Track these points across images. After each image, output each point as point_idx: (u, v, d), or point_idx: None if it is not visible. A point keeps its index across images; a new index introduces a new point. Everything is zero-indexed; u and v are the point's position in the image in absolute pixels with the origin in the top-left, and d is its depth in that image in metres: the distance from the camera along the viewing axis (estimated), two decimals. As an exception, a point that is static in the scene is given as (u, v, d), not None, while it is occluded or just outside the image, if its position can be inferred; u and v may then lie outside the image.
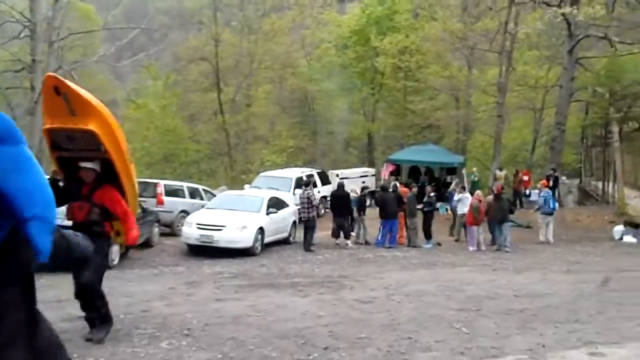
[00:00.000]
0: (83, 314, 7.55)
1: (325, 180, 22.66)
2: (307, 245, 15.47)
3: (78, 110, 5.73)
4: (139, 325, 7.10)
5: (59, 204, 6.08)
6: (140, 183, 18.04)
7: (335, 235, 16.58)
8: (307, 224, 15.76)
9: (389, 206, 16.46)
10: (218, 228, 13.98)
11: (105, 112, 6.01)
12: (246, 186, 21.29)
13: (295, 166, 26.13)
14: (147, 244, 14.67)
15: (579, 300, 8.98)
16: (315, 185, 20.70)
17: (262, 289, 9.79)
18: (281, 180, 20.05)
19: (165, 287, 9.78)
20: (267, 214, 15.22)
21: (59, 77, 5.91)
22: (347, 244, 16.19)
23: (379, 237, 16.60)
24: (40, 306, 8.23)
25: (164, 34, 44.38)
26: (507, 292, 9.57)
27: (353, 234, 16.88)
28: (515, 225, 17.94)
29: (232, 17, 35.31)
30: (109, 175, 6.20)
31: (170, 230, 16.64)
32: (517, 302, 8.78)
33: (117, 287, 9.98)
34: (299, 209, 16.27)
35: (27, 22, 19.31)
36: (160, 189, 17.01)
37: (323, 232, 17.79)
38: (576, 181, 31.48)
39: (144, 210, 14.58)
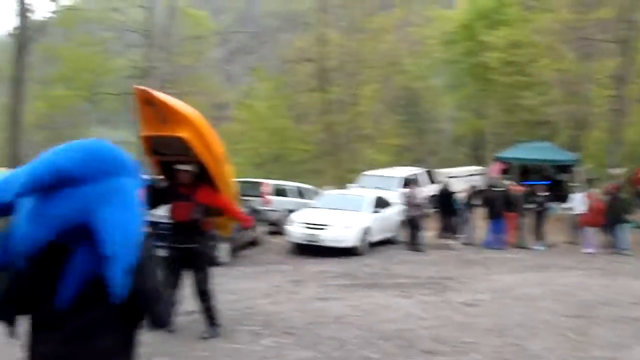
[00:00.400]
0: (192, 309, 7.89)
1: (432, 180, 22.31)
2: (413, 245, 15.32)
3: (168, 118, 6.06)
4: (242, 322, 7.31)
5: (158, 205, 6.51)
6: (247, 183, 18.82)
7: (442, 235, 16.33)
8: (412, 223, 15.60)
9: (496, 206, 15.97)
10: (323, 227, 14.11)
11: (195, 119, 6.27)
12: (352, 185, 21.36)
13: (402, 165, 25.90)
14: (254, 243, 15.09)
15: None
16: (421, 185, 20.43)
17: (366, 289, 9.79)
18: (386, 180, 19.95)
19: (270, 285, 10.01)
20: (372, 213, 15.19)
21: (147, 89, 6.22)
22: (453, 245, 15.87)
23: (487, 238, 16.15)
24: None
25: (273, 36, 45.57)
26: (624, 298, 9.02)
27: (462, 235, 16.53)
28: (635, 227, 16.82)
29: (338, 17, 35.50)
30: (207, 175, 6.52)
31: (277, 228, 17.01)
32: (635, 309, 8.24)
33: (224, 283, 10.31)
34: (404, 209, 16.12)
35: (144, 30, 20.42)
36: (267, 189, 17.44)
37: (429, 232, 17.54)
38: None
39: (252, 209, 15.00)
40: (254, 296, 8.99)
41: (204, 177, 6.48)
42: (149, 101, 6.01)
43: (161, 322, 2.22)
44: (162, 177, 6.72)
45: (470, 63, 31.24)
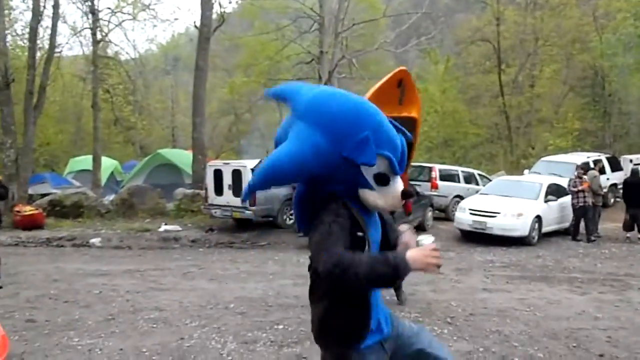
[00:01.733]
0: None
1: (615, 167, 20.59)
2: (588, 236, 14.36)
3: (406, 99, 6.33)
4: (403, 308, 7.27)
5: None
6: (416, 167, 18.69)
7: (627, 227, 14.94)
8: (582, 211, 14.53)
9: None
10: (492, 214, 13.61)
11: (421, 102, 6.69)
12: (525, 171, 20.37)
13: (582, 151, 24.18)
14: (420, 227, 14.96)
15: None
16: (603, 172, 18.95)
17: (535, 282, 9.28)
18: (564, 166, 18.66)
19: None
20: (546, 201, 14.35)
21: (407, 71, 6.60)
22: (639, 238, 14.51)
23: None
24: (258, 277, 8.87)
25: (448, 17, 44.53)
26: None
27: None
28: None
29: (517, -7, 33.84)
30: None
31: (445, 214, 16.69)
32: None
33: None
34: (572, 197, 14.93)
35: (317, 16, 20.93)
36: (435, 173, 17.17)
37: (614, 223, 16.23)
38: None
39: (418, 194, 14.87)
40: (416, 282, 8.89)
41: None
42: (400, 82, 6.30)
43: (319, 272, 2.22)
44: None
45: (667, 37, 28.17)
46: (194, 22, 21.58)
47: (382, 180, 2.36)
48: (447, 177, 17.51)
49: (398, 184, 2.41)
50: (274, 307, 7.42)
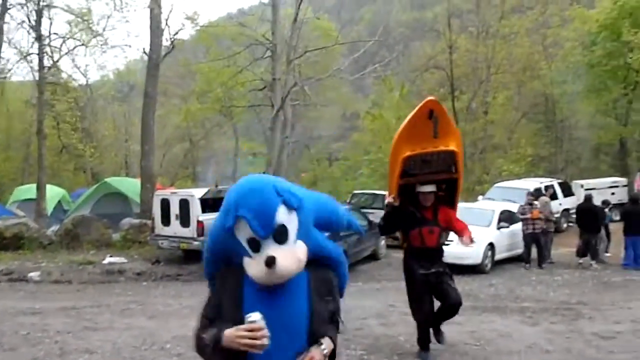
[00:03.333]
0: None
1: (567, 192, 20.81)
2: (539, 263, 14.40)
3: (441, 132, 5.86)
4: (349, 345, 6.94)
5: (394, 231, 6.48)
6: (369, 195, 18.54)
7: (581, 253, 14.96)
8: (526, 239, 14.52)
9: (633, 221, 14.42)
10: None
11: (459, 132, 6.28)
12: (480, 197, 20.40)
13: (536, 176, 24.45)
14: (373, 257, 14.71)
15: None
16: (555, 197, 19.12)
17: (487, 312, 9.06)
18: (517, 192, 18.75)
19: (384, 304, 9.57)
20: (498, 228, 14.28)
21: (437, 101, 6.06)
22: (591, 264, 14.52)
23: (625, 258, 14.62)
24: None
25: (405, 45, 45.03)
26: None
27: (608, 254, 15.21)
28: None
29: (469, 22, 34.44)
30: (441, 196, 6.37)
31: (399, 243, 16.46)
32: None
33: (338, 301, 10.06)
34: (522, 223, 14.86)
35: (269, 43, 20.78)
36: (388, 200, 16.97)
37: (567, 248, 16.27)
38: None
39: (370, 222, 14.66)
40: (365, 316, 8.61)
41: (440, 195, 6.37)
42: (432, 113, 5.80)
43: None
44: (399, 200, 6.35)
45: (613, 65, 28.90)
46: (143, 49, 21.14)
47: (253, 245, 2.17)
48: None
49: (268, 250, 2.13)
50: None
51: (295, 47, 20.77)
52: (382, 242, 15.44)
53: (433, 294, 6.29)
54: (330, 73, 22.59)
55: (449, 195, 6.48)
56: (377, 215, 16.02)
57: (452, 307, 6.21)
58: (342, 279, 2.50)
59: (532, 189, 18.68)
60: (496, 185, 21.22)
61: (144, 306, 9.77)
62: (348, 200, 18.98)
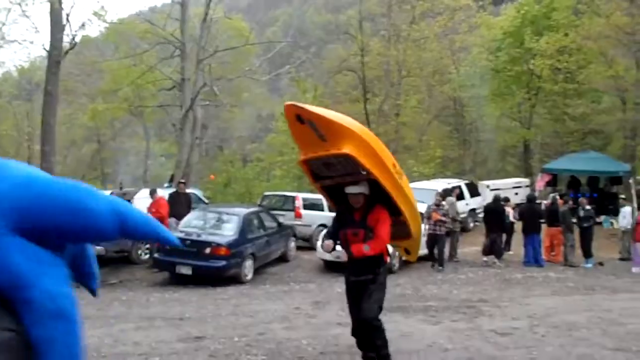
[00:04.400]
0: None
1: (474, 192, 21.43)
2: (440, 263, 14.39)
3: (328, 134, 5.28)
4: (250, 350, 6.78)
5: (336, 237, 5.84)
6: (279, 196, 18.39)
7: (486, 252, 15.42)
8: (431, 238, 14.44)
9: (531, 220, 15.03)
10: (354, 243, 13.45)
11: (359, 130, 5.45)
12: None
13: (444, 177, 25.08)
14: (283, 259, 14.59)
15: None
16: (462, 197, 19.64)
17: (391, 312, 9.05)
18: (426, 192, 19.08)
19: (290, 306, 9.46)
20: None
21: (298, 104, 5.46)
22: (494, 262, 15.00)
23: (525, 256, 15.22)
24: (160, 322, 8.22)
25: (320, 47, 45.23)
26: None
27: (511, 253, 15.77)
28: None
29: (380, 26, 34.95)
30: (381, 194, 5.66)
31: (309, 244, 16.45)
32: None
33: (242, 305, 9.89)
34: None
35: (178, 42, 20.29)
36: (299, 202, 16.92)
37: (473, 247, 16.74)
38: None
39: (279, 224, 14.56)
40: (270, 320, 8.47)
41: (378, 195, 5.68)
42: (301, 118, 5.25)
43: None
44: (331, 203, 6.04)
45: (517, 71, 30.22)
46: (43, 45, 20.17)
47: None
48: (311, 206, 17.23)
49: None
50: (107, 358, 6.65)
51: (204, 46, 20.37)
52: (292, 244, 15.35)
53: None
54: (241, 74, 22.33)
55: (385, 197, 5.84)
56: (287, 217, 16.02)
57: (359, 323, 5.90)
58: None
59: (440, 190, 19.18)
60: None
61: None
62: (259, 202, 18.79)
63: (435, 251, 14.46)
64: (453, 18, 33.04)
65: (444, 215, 14.49)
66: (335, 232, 5.95)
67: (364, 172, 5.43)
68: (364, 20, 33.59)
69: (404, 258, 7.36)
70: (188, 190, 18.18)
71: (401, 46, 32.81)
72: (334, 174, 5.71)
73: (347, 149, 5.19)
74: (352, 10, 36.03)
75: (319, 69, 37.38)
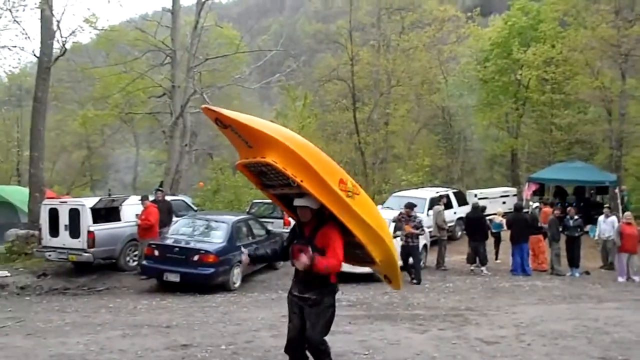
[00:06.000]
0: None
1: (462, 201, 21.55)
2: (416, 275, 13.84)
3: (251, 140, 4.96)
4: (237, 358, 6.81)
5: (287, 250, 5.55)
6: (268, 204, 18.38)
7: (471, 260, 15.57)
8: (405, 249, 13.94)
9: (518, 229, 15.14)
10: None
11: (283, 138, 4.92)
12: (379, 207, 20.73)
13: (433, 186, 25.21)
14: (271, 267, 14.60)
15: None
16: (450, 206, 19.76)
17: (378, 321, 9.15)
18: (415, 201, 19.21)
19: (277, 314, 9.45)
20: (394, 237, 14.48)
21: (213, 108, 5.05)
22: (482, 271, 15.12)
23: (512, 264, 15.33)
24: (147, 330, 8.19)
25: (310, 56, 45.33)
26: (664, 337, 8.18)
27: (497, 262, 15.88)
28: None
29: (370, 36, 35.15)
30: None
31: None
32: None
33: (230, 313, 9.89)
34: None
35: (168, 49, 20.32)
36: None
37: (461, 255, 16.83)
38: None
39: (268, 232, 14.59)
40: (257, 327, 8.48)
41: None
42: (222, 122, 4.91)
43: None
44: (289, 213, 5.72)
45: (505, 81, 30.56)
46: (32, 51, 20.15)
47: None
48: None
49: None
50: (93, 365, 6.65)
51: (195, 54, 20.40)
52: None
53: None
54: (232, 81, 22.38)
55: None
56: (276, 225, 16.05)
57: (308, 344, 5.54)
58: None
59: (428, 198, 19.30)
60: (394, 194, 21.69)
61: (22, 323, 9.16)
62: (248, 210, 18.79)
63: (411, 262, 13.96)
64: (442, 29, 33.34)
65: (416, 227, 14.09)
66: (288, 246, 5.68)
67: (294, 184, 4.99)
68: (353, 30, 33.82)
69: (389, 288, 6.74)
70: (178, 198, 18.19)
71: (390, 56, 33.08)
72: (274, 183, 5.40)
73: (269, 158, 4.85)
74: (342, 20, 36.18)
75: (309, 78, 37.48)
